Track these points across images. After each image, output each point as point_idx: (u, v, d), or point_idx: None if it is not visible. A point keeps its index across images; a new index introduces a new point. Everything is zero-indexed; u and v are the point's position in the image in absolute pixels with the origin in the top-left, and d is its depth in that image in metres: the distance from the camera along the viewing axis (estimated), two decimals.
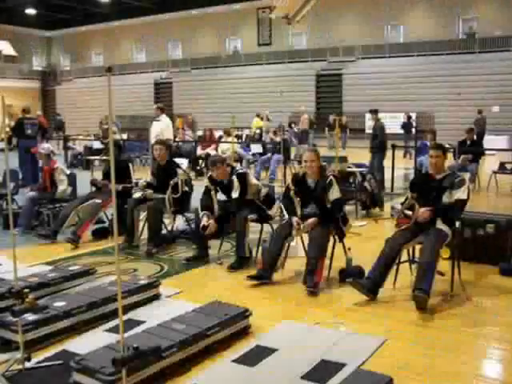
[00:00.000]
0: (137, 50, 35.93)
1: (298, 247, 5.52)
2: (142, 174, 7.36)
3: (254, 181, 5.67)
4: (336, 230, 4.94)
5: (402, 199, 4.88)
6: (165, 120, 9.58)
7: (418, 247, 4.61)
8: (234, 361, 3.31)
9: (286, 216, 5.09)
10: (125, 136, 19.29)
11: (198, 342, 3.35)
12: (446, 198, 4.52)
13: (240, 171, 5.62)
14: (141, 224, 6.31)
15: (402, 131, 19.11)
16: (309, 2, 8.65)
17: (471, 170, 10.30)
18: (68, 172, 7.49)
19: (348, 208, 7.22)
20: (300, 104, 21.76)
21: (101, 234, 6.70)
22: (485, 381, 3.16)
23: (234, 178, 5.44)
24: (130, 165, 6.85)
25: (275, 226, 5.39)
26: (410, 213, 4.57)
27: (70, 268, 4.86)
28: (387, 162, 10.42)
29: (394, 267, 4.53)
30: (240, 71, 29.46)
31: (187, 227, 6.49)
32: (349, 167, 8.38)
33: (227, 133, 13.75)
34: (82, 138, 17.06)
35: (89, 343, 3.43)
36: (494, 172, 10.50)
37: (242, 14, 30.41)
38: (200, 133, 19.10)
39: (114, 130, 17.54)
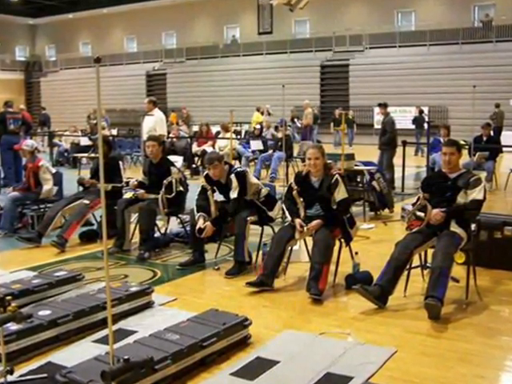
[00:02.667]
0: (128, 39, 35.92)
1: (301, 251, 5.53)
2: (133, 173, 7.37)
3: (253, 180, 5.68)
4: (342, 233, 4.95)
5: (414, 200, 4.88)
6: (158, 114, 9.58)
7: (430, 251, 4.62)
8: (232, 374, 3.31)
9: (289, 218, 5.10)
10: (114, 132, 19.34)
11: (193, 354, 3.36)
12: (460, 199, 4.53)
13: (239, 170, 5.63)
14: (132, 226, 6.32)
15: (413, 126, 19.14)
16: None
17: (488, 168, 10.31)
18: (54, 170, 7.51)
19: (355, 209, 7.23)
20: (303, 97, 21.73)
21: (89, 237, 6.71)
22: None
23: (233, 176, 5.45)
24: (121, 163, 6.87)
25: (277, 229, 5.40)
26: (421, 214, 4.58)
27: (56, 274, 4.85)
28: (397, 160, 10.43)
29: (405, 273, 4.52)
30: (239, 62, 29.46)
31: (182, 230, 6.50)
32: (356, 165, 8.38)
33: (225, 128, 13.75)
34: (69, 134, 17.07)
35: (76, 355, 3.43)
36: None
37: (240, 0, 30.41)
38: (196, 128, 19.14)
39: (103, 125, 17.57)
